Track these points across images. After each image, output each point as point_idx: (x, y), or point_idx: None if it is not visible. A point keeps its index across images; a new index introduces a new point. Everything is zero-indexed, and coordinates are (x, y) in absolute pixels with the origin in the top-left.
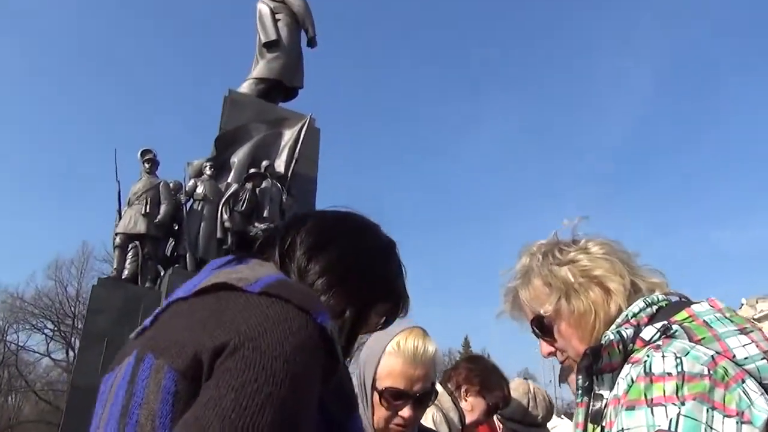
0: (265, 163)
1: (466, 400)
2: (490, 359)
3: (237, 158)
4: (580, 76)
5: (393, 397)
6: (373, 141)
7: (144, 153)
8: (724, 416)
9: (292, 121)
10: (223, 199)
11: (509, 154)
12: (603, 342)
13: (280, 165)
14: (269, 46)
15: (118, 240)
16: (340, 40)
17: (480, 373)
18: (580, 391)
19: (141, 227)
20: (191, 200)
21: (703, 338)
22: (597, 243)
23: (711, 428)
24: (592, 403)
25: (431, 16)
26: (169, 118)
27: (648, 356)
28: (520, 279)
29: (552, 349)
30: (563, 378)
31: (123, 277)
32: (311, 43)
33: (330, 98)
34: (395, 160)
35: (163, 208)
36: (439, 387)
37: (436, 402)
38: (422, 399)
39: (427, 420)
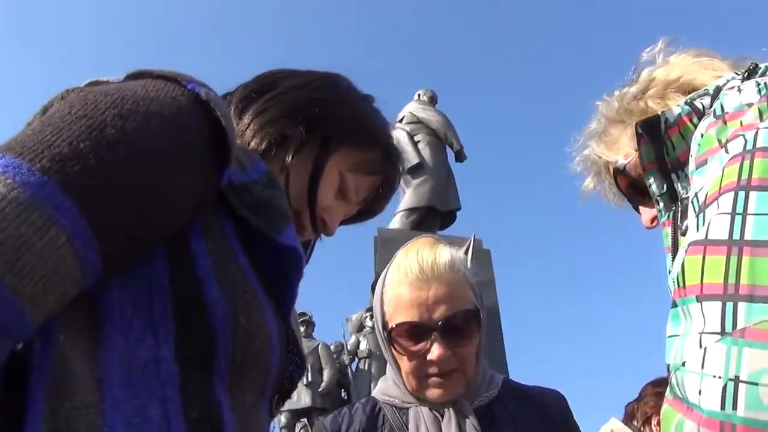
0: None
1: None
2: None
3: None
4: None
5: (409, 336)
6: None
7: (298, 315)
8: None
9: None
10: None
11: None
12: (665, 117)
13: None
14: (413, 171)
15: (283, 419)
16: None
17: None
18: (661, 204)
19: (306, 400)
20: (356, 359)
21: None
22: (681, 52)
23: None
24: (680, 217)
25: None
26: (322, 273)
27: (719, 97)
28: (593, 139)
29: (653, 211)
30: None
31: None
32: (459, 157)
33: (494, 214)
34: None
35: (326, 375)
36: (618, 423)
37: None
38: (451, 329)
39: None
